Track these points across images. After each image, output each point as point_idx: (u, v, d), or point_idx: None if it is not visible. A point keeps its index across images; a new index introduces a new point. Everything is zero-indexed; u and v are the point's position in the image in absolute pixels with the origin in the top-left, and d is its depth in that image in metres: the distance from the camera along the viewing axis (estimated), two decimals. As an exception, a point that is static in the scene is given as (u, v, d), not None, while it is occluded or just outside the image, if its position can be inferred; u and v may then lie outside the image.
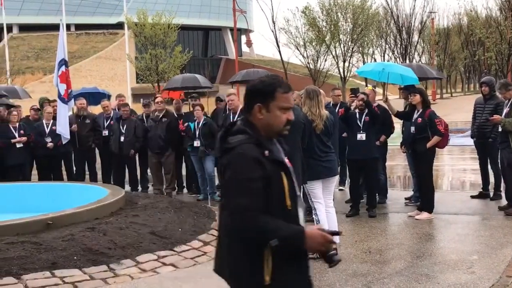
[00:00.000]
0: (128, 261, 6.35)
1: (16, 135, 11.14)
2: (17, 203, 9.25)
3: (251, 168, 2.73)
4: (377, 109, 9.21)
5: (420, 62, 46.53)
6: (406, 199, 10.12)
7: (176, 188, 11.93)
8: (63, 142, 11.39)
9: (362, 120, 9.00)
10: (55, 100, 12.39)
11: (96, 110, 14.27)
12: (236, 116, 9.82)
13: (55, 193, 9.59)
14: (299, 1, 66.50)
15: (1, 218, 7.24)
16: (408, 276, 6.05)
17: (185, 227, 7.61)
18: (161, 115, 11.42)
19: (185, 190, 12.09)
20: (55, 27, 53.28)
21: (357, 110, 9.12)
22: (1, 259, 5.91)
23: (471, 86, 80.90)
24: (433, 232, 8.11)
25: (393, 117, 9.86)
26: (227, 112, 10.28)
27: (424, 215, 8.79)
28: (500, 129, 8.98)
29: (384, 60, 55.47)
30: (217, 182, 11.65)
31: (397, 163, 15.02)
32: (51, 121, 11.57)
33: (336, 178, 7.29)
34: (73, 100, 11.96)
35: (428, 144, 8.76)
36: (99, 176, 12.31)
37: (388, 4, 53.29)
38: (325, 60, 48.22)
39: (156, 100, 11.84)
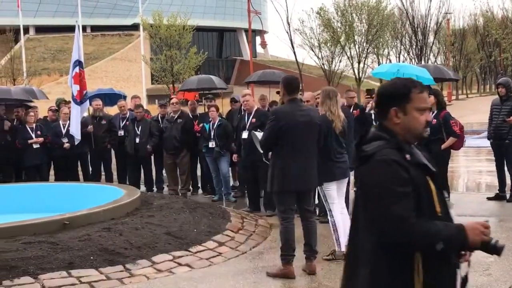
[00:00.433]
0: (144, 261, 6.38)
1: (33, 135, 11.24)
2: (34, 203, 9.31)
3: (397, 172, 2.53)
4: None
5: (435, 63, 46.26)
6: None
7: (191, 188, 11.96)
8: (75, 143, 11.46)
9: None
10: (65, 101, 12.48)
11: (112, 111, 14.35)
12: (251, 116, 9.83)
13: (72, 193, 9.65)
14: (314, 2, 66.37)
15: (19, 218, 7.30)
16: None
17: (200, 227, 7.62)
18: (176, 116, 11.45)
19: (200, 191, 12.12)
20: (71, 29, 53.21)
21: (372, 111, 9.09)
22: (19, 258, 5.96)
23: (487, 87, 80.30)
24: (449, 234, 8.04)
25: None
26: (242, 113, 10.29)
27: (440, 216, 8.73)
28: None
29: (399, 61, 55.27)
30: (231, 183, 11.70)
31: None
32: (68, 121, 11.66)
33: (347, 179, 7.26)
34: (88, 101, 12.02)
35: (443, 146, 8.72)
36: (115, 176, 12.38)
37: (403, 5, 53.07)
38: (340, 61, 48.15)
39: (171, 101, 11.88)
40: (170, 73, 40.20)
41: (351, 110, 10.07)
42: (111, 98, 15.27)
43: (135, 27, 62.50)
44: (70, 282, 5.78)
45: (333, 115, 6.81)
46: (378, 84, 47.95)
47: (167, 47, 40.65)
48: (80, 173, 12.14)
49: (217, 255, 6.93)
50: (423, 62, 49.43)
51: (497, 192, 10.17)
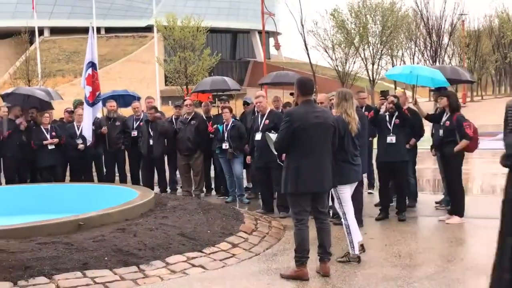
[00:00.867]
0: (158, 262, 6.39)
1: (48, 136, 11.31)
2: (49, 204, 9.36)
3: None
4: (407, 112, 9.14)
5: (450, 65, 46.02)
6: (436, 203, 10.02)
7: (205, 190, 11.98)
8: (87, 144, 11.51)
9: (392, 123, 8.95)
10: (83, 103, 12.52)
11: (126, 112, 14.40)
12: (265, 118, 9.83)
13: (86, 194, 9.70)
14: (328, 4, 66.30)
15: (34, 219, 7.35)
16: (439, 281, 5.98)
17: (214, 229, 7.63)
18: (190, 118, 11.48)
19: (213, 192, 12.14)
20: (85, 30, 53.40)
21: (387, 113, 9.06)
22: (34, 259, 5.99)
23: (502, 89, 79.76)
24: (464, 237, 8.01)
25: (423, 120, 9.78)
26: (256, 114, 10.29)
27: (455, 219, 8.69)
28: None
29: (413, 63, 55.06)
30: (245, 184, 11.70)
31: (427, 167, 14.87)
32: (82, 123, 11.72)
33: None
34: (100, 102, 12.07)
35: (456, 148, 8.66)
36: (129, 177, 12.43)
37: (418, 6, 52.84)
38: (354, 63, 48.10)
39: (185, 102, 11.90)
40: (183, 74, 40.34)
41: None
42: (125, 99, 15.33)
43: (149, 28, 62.78)
44: (85, 282, 5.80)
45: (349, 117, 6.79)
46: (392, 85, 47.90)
47: (181, 48, 40.81)
48: (95, 174, 12.19)
49: (231, 257, 6.93)
50: (437, 64, 49.22)
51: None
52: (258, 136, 9.76)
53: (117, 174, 12.41)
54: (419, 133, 9.80)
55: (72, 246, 6.38)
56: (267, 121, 9.75)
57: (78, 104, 12.63)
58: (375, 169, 10.24)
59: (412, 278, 6.12)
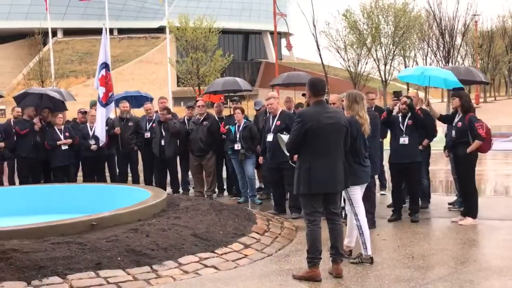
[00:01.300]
0: (170, 263, 6.41)
1: (62, 137, 11.37)
2: (62, 204, 9.41)
3: None
4: (420, 113, 9.11)
5: (463, 65, 45.78)
6: (449, 204, 9.97)
7: (217, 190, 12.00)
8: (100, 145, 11.56)
9: (405, 123, 8.92)
10: (99, 103, 12.58)
11: (138, 112, 14.45)
12: (276, 119, 9.83)
13: (99, 194, 9.74)
14: (340, 4, 66.18)
15: (47, 219, 7.40)
16: (452, 282, 5.95)
17: (226, 229, 7.64)
18: (202, 118, 11.51)
19: (225, 193, 12.15)
20: (98, 32, 53.88)
21: (400, 114, 9.03)
22: (47, 259, 6.02)
23: (516, 90, 79.18)
24: (477, 238, 7.97)
25: (436, 120, 9.74)
26: (267, 115, 10.30)
27: (468, 220, 8.64)
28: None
29: (426, 64, 54.81)
30: (257, 185, 11.70)
31: (440, 168, 14.81)
32: (95, 123, 11.78)
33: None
34: (113, 103, 12.12)
35: (469, 149, 8.61)
36: (141, 178, 12.47)
37: (430, 7, 52.55)
38: (366, 63, 47.94)
39: (198, 103, 11.93)
40: (196, 75, 40.42)
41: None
42: (137, 100, 15.39)
43: (161, 29, 63.00)
44: (98, 282, 5.83)
45: (362, 119, 6.78)
46: (404, 86, 47.70)
47: (193, 49, 40.91)
48: (107, 174, 12.25)
49: (243, 257, 6.93)
50: (450, 64, 48.95)
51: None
52: (269, 137, 9.76)
53: (129, 175, 12.46)
54: (432, 134, 9.77)
55: (85, 246, 6.41)
56: (279, 122, 9.75)
57: (94, 105, 12.69)
58: (387, 170, 10.21)
59: (425, 279, 6.09)
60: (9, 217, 8.67)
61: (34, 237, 6.62)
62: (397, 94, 9.58)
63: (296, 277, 6.17)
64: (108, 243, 6.56)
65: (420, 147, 9.29)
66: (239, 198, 11.26)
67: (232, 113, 11.82)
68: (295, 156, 6.42)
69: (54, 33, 62.20)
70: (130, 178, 12.44)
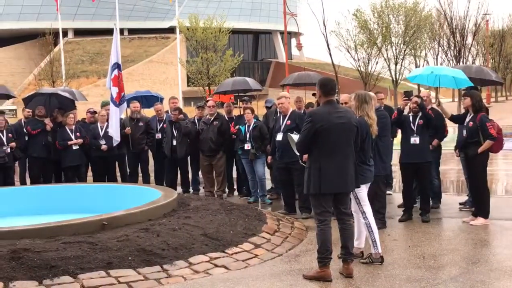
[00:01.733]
0: (181, 262, 6.42)
1: (73, 137, 11.42)
2: (73, 204, 9.46)
3: None
4: (431, 112, 9.07)
5: (474, 64, 45.52)
6: (460, 204, 9.92)
7: (227, 190, 12.00)
8: (114, 144, 11.60)
9: (416, 123, 8.89)
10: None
11: (148, 112, 14.48)
12: (286, 118, 9.82)
13: (110, 194, 9.78)
14: (350, 4, 66.04)
15: (58, 218, 7.43)
16: (463, 283, 5.93)
17: (236, 229, 7.64)
18: (212, 118, 11.52)
19: (235, 193, 12.15)
20: (109, 32, 54.46)
21: (410, 113, 9.00)
22: (59, 258, 6.05)
23: (527, 89, 78.66)
24: (489, 238, 7.92)
25: (446, 120, 9.70)
26: (278, 114, 10.29)
27: (480, 220, 8.60)
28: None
29: (437, 63, 54.59)
30: (268, 185, 11.70)
31: (451, 167, 14.75)
32: (105, 123, 11.82)
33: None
34: (125, 103, 12.15)
35: (480, 149, 8.57)
36: (152, 178, 12.49)
37: (441, 6, 52.31)
38: (376, 63, 47.79)
39: (208, 103, 11.94)
40: (206, 75, 40.43)
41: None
42: (148, 100, 15.42)
43: (171, 30, 63.22)
44: (109, 282, 5.85)
45: (370, 119, 6.78)
46: (415, 86, 47.53)
47: (203, 49, 40.93)
48: (118, 174, 12.28)
49: (253, 257, 6.93)
50: (461, 64, 48.72)
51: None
52: (279, 137, 9.76)
53: (140, 175, 12.49)
54: (442, 134, 9.73)
55: (96, 245, 6.44)
56: (289, 121, 9.74)
57: (104, 105, 12.72)
58: (396, 169, 10.18)
59: (436, 279, 6.07)
60: (20, 217, 8.73)
61: (46, 236, 6.66)
62: (408, 94, 9.54)
63: (307, 277, 6.17)
64: (119, 242, 6.58)
65: (430, 147, 9.25)
66: (249, 198, 11.26)
67: (242, 113, 11.82)
68: (305, 156, 6.41)
69: (65, 34, 62.49)
70: (140, 178, 12.47)
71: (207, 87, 40.50)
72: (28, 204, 9.52)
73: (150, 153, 12.59)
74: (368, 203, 6.76)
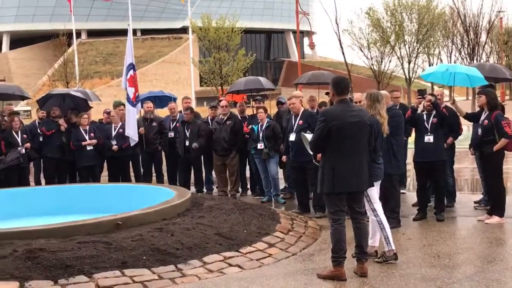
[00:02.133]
0: (195, 262, 6.44)
1: (87, 137, 11.47)
2: (88, 204, 9.50)
3: None
4: (445, 111, 9.03)
5: (488, 62, 45.21)
6: (475, 202, 9.86)
7: (240, 190, 12.01)
8: (131, 144, 11.65)
9: (430, 122, 8.84)
10: (122, 104, 12.67)
11: (162, 113, 14.52)
12: (298, 118, 9.81)
13: (124, 194, 9.81)
14: (363, 2, 65.86)
15: (73, 218, 7.47)
16: (479, 282, 5.89)
17: (250, 228, 7.64)
18: (225, 118, 11.53)
19: (249, 192, 12.15)
20: (122, 32, 54.67)
21: (424, 112, 8.96)
22: (74, 258, 6.08)
23: (542, 87, 78.03)
24: (504, 237, 7.87)
25: (460, 119, 9.65)
26: (290, 114, 10.27)
27: (495, 219, 8.54)
28: None
29: (451, 61, 54.28)
30: (282, 185, 11.68)
31: (465, 166, 14.66)
32: (119, 123, 11.87)
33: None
34: (140, 103, 12.20)
35: (495, 147, 8.51)
36: (165, 177, 12.52)
37: (454, 4, 52.02)
38: (390, 61, 47.64)
39: (221, 103, 11.95)
40: (218, 75, 40.50)
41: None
42: (161, 100, 15.47)
43: (184, 30, 63.30)
44: (124, 281, 5.87)
45: (382, 118, 6.76)
46: (429, 84, 47.29)
47: (215, 49, 41.00)
48: (132, 174, 12.32)
49: (267, 256, 6.94)
50: (475, 62, 48.42)
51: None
52: (292, 137, 9.75)
53: (154, 174, 12.52)
54: (456, 132, 9.68)
55: (111, 245, 6.47)
56: (301, 121, 9.73)
57: (117, 105, 12.77)
58: (410, 168, 10.13)
59: (451, 278, 6.04)
60: (35, 217, 8.78)
61: (61, 236, 6.70)
62: (421, 92, 9.49)
63: (321, 276, 6.16)
64: (134, 242, 6.60)
65: (445, 145, 9.20)
66: (262, 197, 11.26)
67: (255, 112, 11.81)
68: (319, 155, 6.41)
69: (78, 35, 62.81)
70: (154, 178, 12.51)
71: (220, 87, 40.57)
72: (43, 205, 9.57)
73: (163, 153, 12.61)
74: (378, 201, 6.74)
